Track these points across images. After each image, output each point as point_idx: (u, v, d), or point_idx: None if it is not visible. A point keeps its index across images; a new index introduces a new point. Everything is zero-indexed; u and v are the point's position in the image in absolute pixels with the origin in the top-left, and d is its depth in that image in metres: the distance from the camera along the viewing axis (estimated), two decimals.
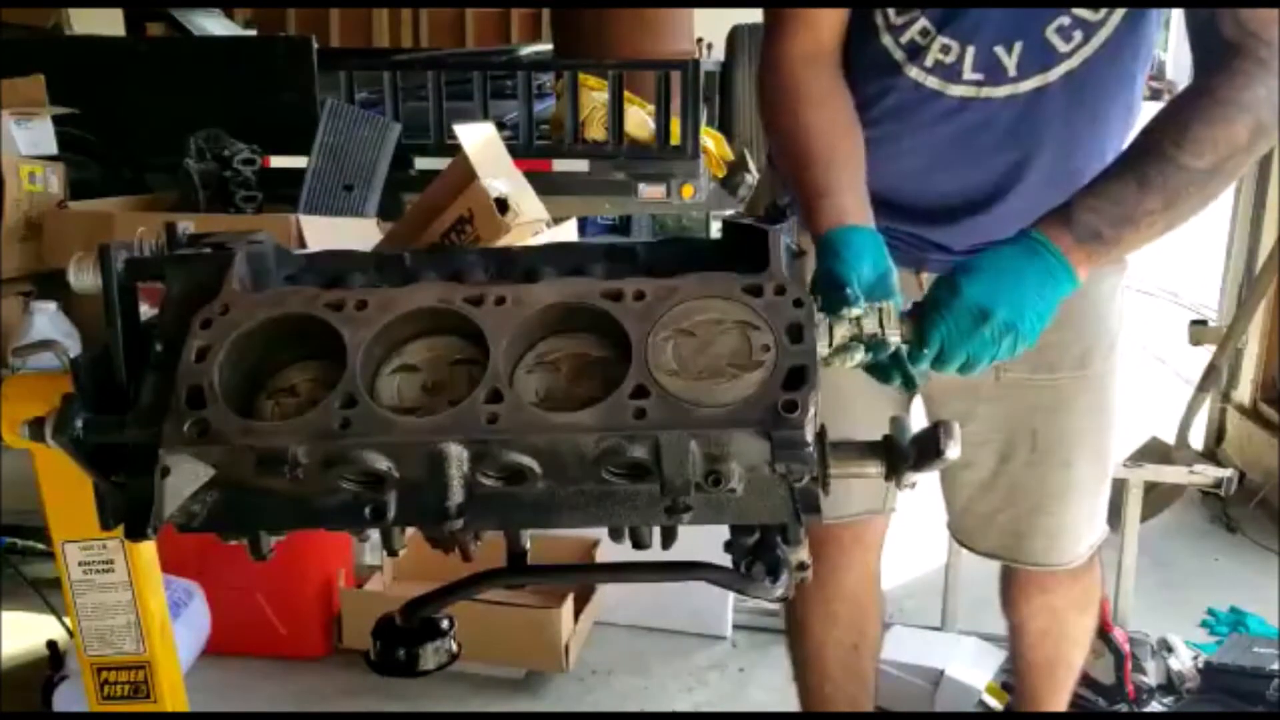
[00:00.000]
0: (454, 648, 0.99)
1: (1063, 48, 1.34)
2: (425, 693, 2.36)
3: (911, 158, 1.43)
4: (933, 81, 1.37)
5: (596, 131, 4.64)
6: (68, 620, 1.50)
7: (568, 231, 2.64)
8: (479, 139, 2.35)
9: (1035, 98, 1.36)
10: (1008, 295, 1.10)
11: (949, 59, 1.36)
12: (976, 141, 1.40)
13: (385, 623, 0.98)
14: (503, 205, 2.16)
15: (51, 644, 2.21)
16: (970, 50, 1.34)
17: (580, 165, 4.55)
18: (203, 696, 1.85)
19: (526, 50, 6.06)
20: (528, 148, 4.37)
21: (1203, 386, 3.33)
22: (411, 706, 2.36)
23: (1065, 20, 1.32)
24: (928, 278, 1.44)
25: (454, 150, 2.34)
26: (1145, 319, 6.03)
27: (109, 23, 5.48)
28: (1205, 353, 3.46)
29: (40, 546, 2.61)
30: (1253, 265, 3.58)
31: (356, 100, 4.32)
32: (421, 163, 4.24)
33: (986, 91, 1.36)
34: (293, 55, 4.16)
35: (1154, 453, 3.12)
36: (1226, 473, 2.48)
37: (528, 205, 2.26)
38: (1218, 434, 3.68)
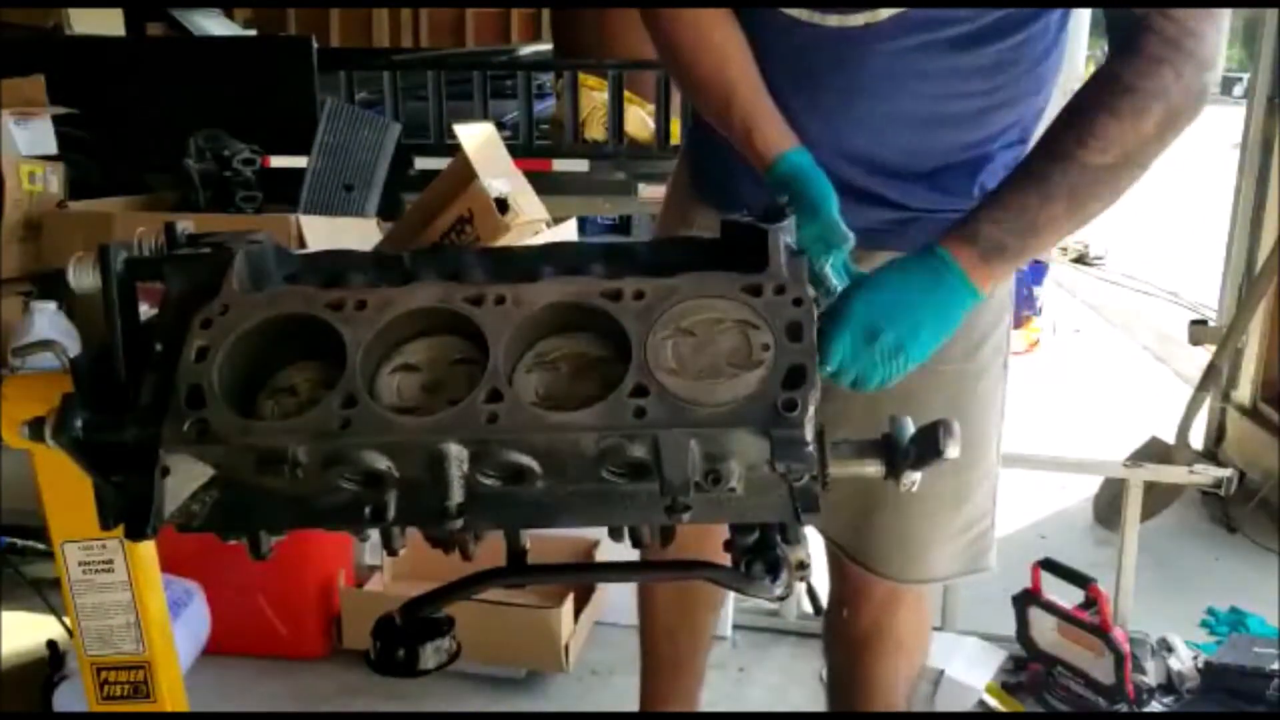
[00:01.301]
0: (454, 647, 0.99)
1: None
2: (425, 692, 2.36)
3: (796, 100, 1.33)
4: (802, 13, 1.30)
5: (596, 131, 4.64)
6: (68, 620, 1.49)
7: (568, 231, 2.64)
8: (479, 139, 2.35)
9: (887, 31, 1.28)
10: (905, 315, 1.08)
11: None
12: (857, 83, 1.32)
13: (385, 622, 0.98)
14: (503, 205, 2.16)
15: (51, 644, 2.21)
16: None
17: (580, 165, 4.55)
18: (203, 696, 1.85)
19: (526, 50, 6.05)
20: (528, 148, 4.36)
21: (1203, 386, 3.33)
22: (411, 706, 2.36)
23: None
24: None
25: (454, 150, 2.34)
26: (1145, 319, 6.04)
27: (109, 23, 5.47)
28: (1205, 353, 3.46)
29: (40, 546, 2.61)
30: (1253, 265, 3.58)
31: (356, 100, 4.31)
32: (421, 163, 4.23)
33: (854, 20, 1.28)
34: (293, 55, 4.15)
35: (1154, 453, 3.12)
36: (1226, 473, 2.48)
37: (528, 205, 2.26)
38: (1218, 434, 3.68)
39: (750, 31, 1.35)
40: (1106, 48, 1.25)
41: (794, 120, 1.31)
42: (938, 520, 1.50)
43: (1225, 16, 1.18)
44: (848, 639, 1.70)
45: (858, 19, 1.28)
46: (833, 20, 1.30)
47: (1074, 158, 1.13)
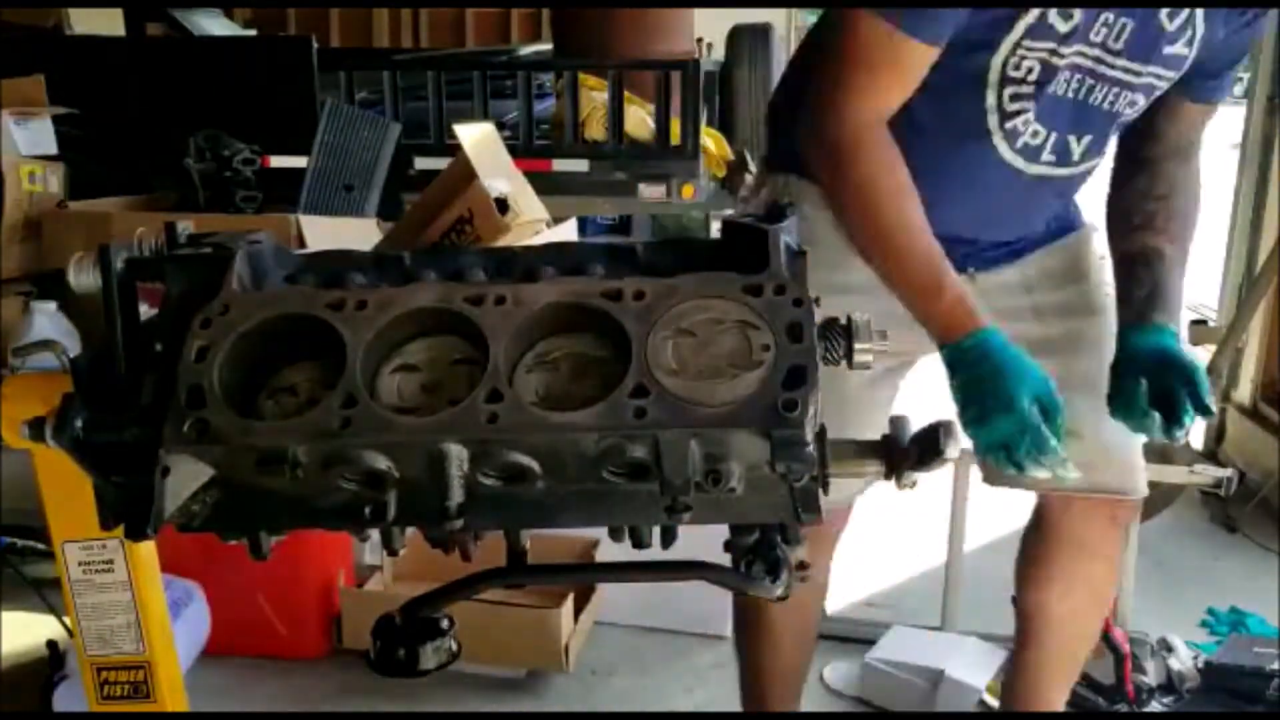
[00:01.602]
0: (454, 647, 0.99)
1: (1112, 139, 1.56)
2: (425, 693, 2.36)
3: (962, 210, 1.55)
4: (1019, 161, 1.51)
5: (596, 131, 4.64)
6: (68, 620, 1.50)
7: (568, 231, 2.64)
8: (479, 139, 2.35)
9: (1078, 175, 1.58)
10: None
11: (1035, 142, 1.50)
12: (1022, 203, 1.60)
13: (385, 622, 0.98)
14: (503, 205, 2.16)
15: (51, 644, 2.21)
16: (1052, 137, 1.50)
17: (580, 165, 4.55)
18: (203, 696, 1.86)
19: (526, 50, 6.06)
20: (528, 148, 4.37)
21: None
22: (411, 706, 2.36)
23: (1126, 117, 1.52)
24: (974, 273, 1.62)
25: (454, 150, 2.34)
26: None
27: (109, 23, 5.47)
28: (1205, 353, 3.46)
29: (40, 546, 2.61)
30: (1253, 265, 3.58)
31: (356, 100, 4.32)
32: (421, 163, 4.23)
33: (1053, 171, 1.54)
34: (293, 55, 4.15)
35: (1154, 452, 3.12)
36: (1226, 473, 2.48)
37: (528, 205, 2.26)
38: (1218, 434, 3.68)
39: (966, 187, 1.54)
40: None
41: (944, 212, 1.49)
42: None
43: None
44: (1074, 602, 1.79)
45: (1061, 171, 1.56)
46: (1064, 172, 1.56)
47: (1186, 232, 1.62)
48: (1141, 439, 1.66)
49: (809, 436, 0.79)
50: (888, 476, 0.89)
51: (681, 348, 0.84)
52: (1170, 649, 2.48)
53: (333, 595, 2.54)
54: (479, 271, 0.95)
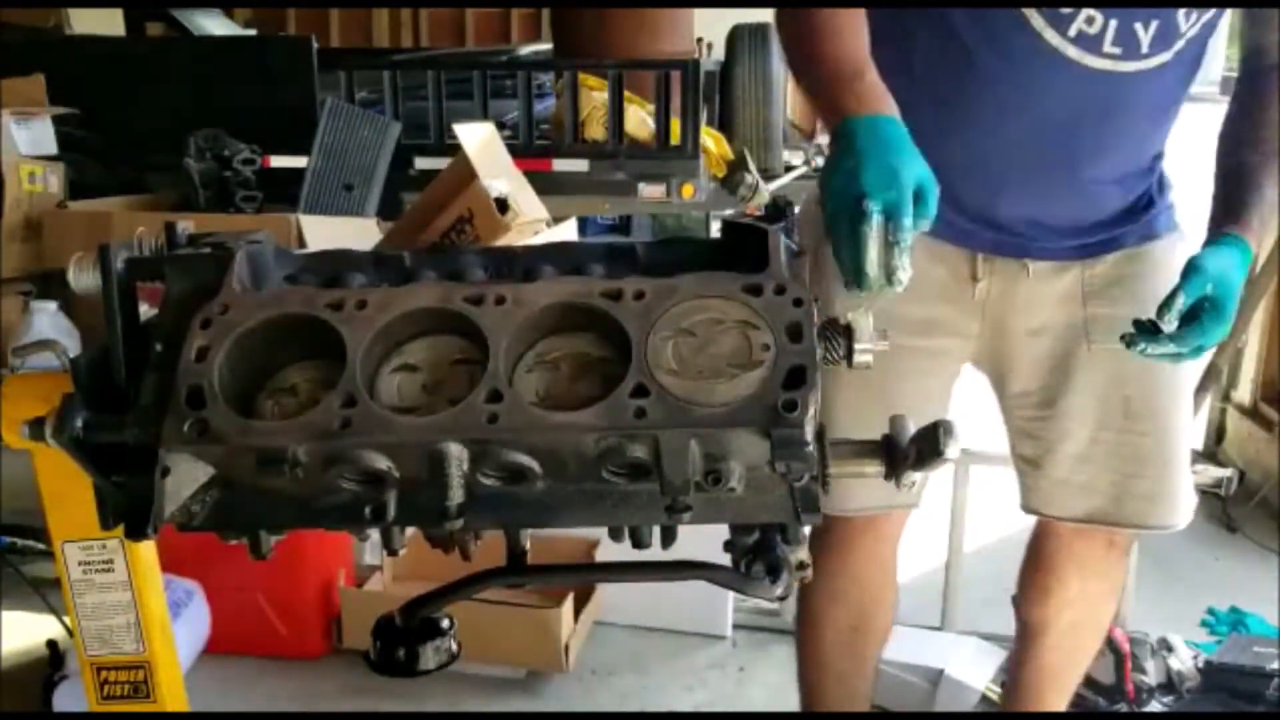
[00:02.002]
0: (454, 647, 0.99)
1: (1183, 26, 1.38)
2: (425, 693, 2.36)
3: (1015, 122, 1.43)
4: (1073, 51, 1.37)
5: (596, 131, 4.63)
6: (68, 620, 1.49)
7: (568, 231, 2.64)
8: (479, 139, 2.35)
9: (1151, 74, 1.41)
10: (1232, 289, 1.38)
11: (1092, 30, 1.36)
12: (1089, 114, 1.43)
13: (385, 622, 0.98)
14: (503, 205, 2.16)
15: (51, 644, 2.21)
16: (1112, 24, 1.35)
17: (580, 165, 4.54)
18: (203, 696, 1.85)
19: (526, 50, 6.05)
20: (528, 148, 4.36)
21: (1203, 386, 3.32)
22: (411, 706, 2.36)
23: None
24: (983, 258, 1.54)
25: (454, 150, 2.34)
26: None
27: (109, 23, 5.47)
28: (1205, 353, 3.46)
29: (40, 546, 2.61)
30: (1253, 265, 3.58)
31: (356, 100, 4.31)
32: (421, 163, 4.23)
33: (1120, 66, 1.38)
34: (293, 55, 4.14)
35: None
36: (1227, 472, 2.48)
37: (528, 205, 2.26)
38: (1218, 434, 3.68)
39: (1016, 88, 1.42)
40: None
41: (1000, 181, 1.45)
42: (1179, 461, 1.65)
43: None
44: (1073, 615, 1.76)
45: (1130, 65, 1.39)
46: (1133, 66, 1.39)
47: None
48: (1164, 471, 1.61)
49: (809, 436, 0.80)
50: (888, 476, 0.89)
51: (681, 348, 0.84)
52: (1170, 649, 2.48)
53: (333, 595, 2.54)
54: (479, 271, 0.96)
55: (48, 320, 2.59)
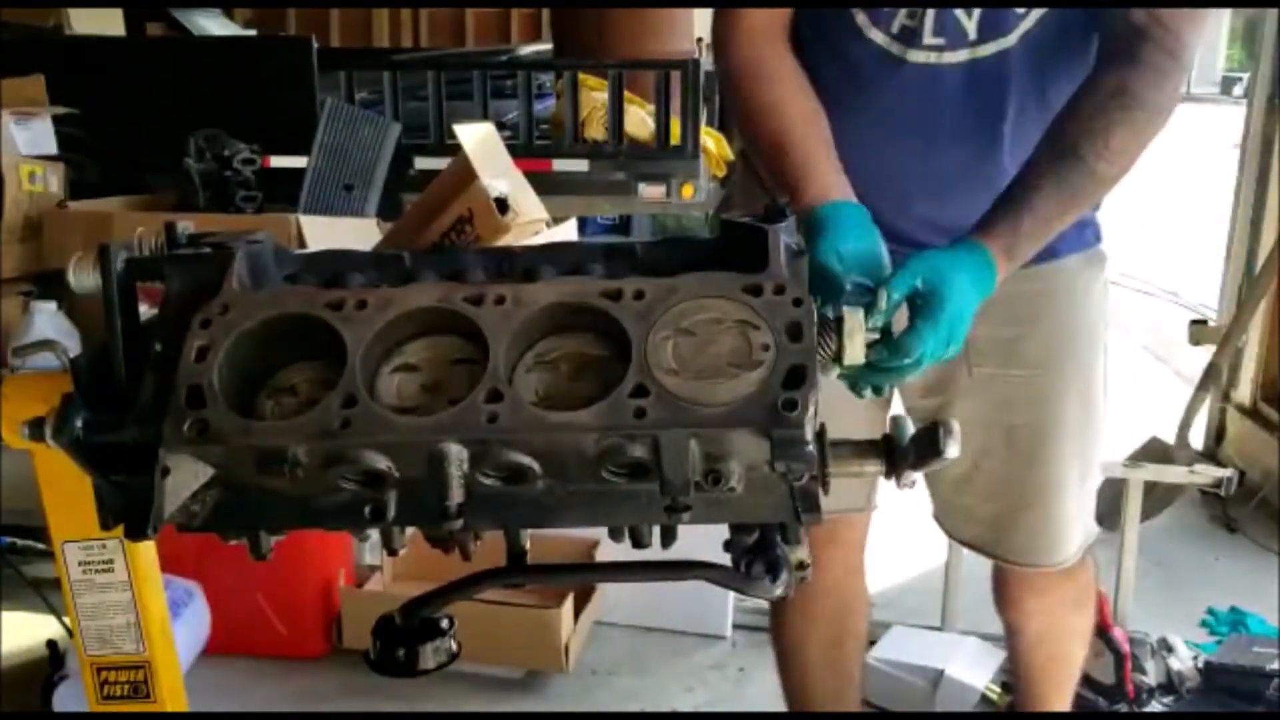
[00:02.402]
0: (454, 647, 0.99)
1: (1019, 10, 1.29)
2: (425, 693, 2.36)
3: (867, 132, 1.36)
4: (896, 48, 1.32)
5: (596, 131, 4.64)
6: (68, 620, 1.49)
7: (568, 231, 2.64)
8: (478, 138, 2.35)
9: (995, 64, 1.31)
10: (963, 304, 1.12)
11: (911, 23, 1.31)
12: (946, 110, 1.35)
13: (385, 622, 0.98)
14: (503, 205, 2.16)
15: (51, 644, 2.21)
16: (930, 13, 1.29)
17: (580, 165, 4.55)
18: (203, 696, 1.85)
19: (526, 50, 6.05)
20: (528, 148, 4.37)
21: (1203, 386, 3.33)
22: (411, 706, 2.36)
23: None
24: None
25: (454, 150, 2.34)
26: (1145, 319, 6.04)
27: (109, 23, 5.47)
28: (1205, 353, 3.46)
29: (40, 546, 2.61)
30: (1253, 265, 3.58)
31: (356, 100, 4.31)
32: (421, 163, 4.23)
33: (946, 58, 1.32)
34: (293, 55, 4.14)
35: (1154, 453, 3.12)
36: (1226, 473, 2.48)
37: (528, 205, 2.26)
38: (1218, 434, 3.69)
39: (856, 93, 1.35)
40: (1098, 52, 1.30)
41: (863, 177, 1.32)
42: (1070, 499, 1.59)
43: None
44: (1049, 611, 1.76)
45: (958, 56, 1.31)
46: (962, 56, 1.31)
47: (1092, 169, 1.19)
48: (1071, 506, 1.58)
49: (809, 436, 0.79)
50: (888, 476, 0.89)
51: (681, 347, 0.84)
52: (1170, 649, 2.48)
53: (333, 595, 2.54)
54: (479, 271, 0.96)
55: (48, 320, 2.58)
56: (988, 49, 1.31)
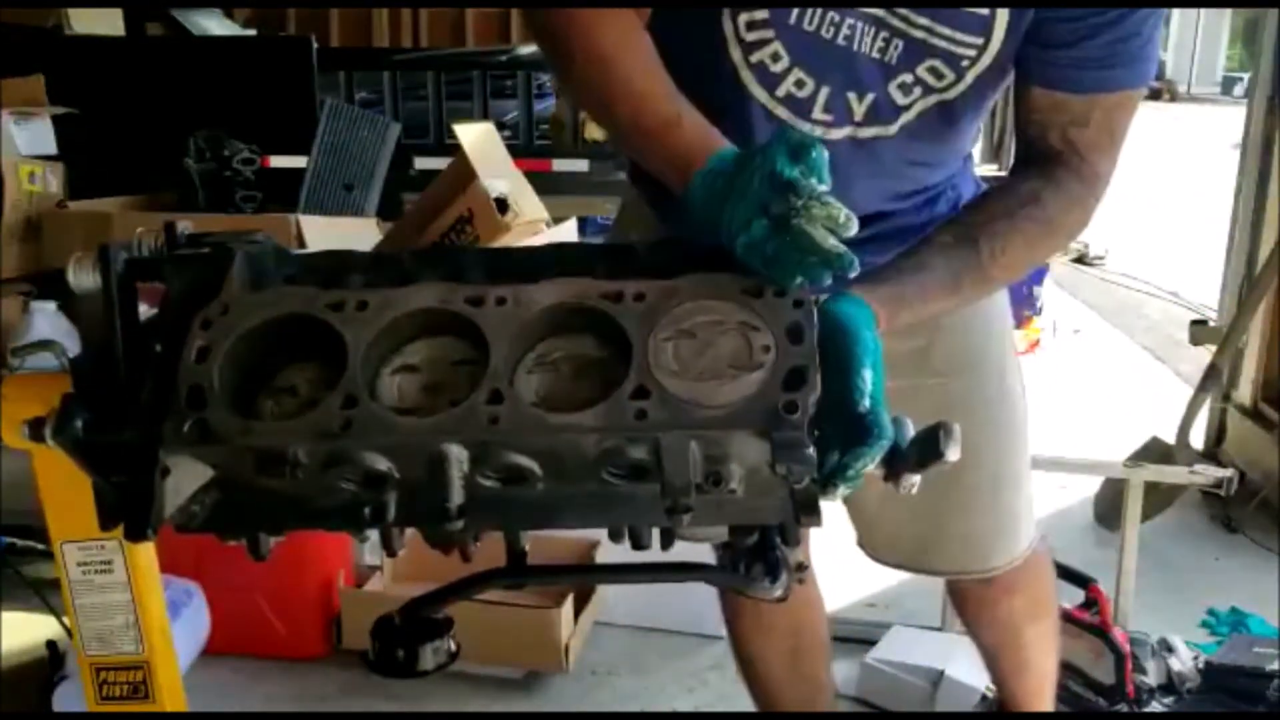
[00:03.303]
0: (453, 648, 0.99)
1: (902, 101, 1.27)
2: (425, 693, 2.36)
3: None
4: (782, 112, 1.28)
5: (596, 131, 4.64)
6: (67, 620, 1.49)
7: (568, 231, 2.64)
8: (478, 138, 2.36)
9: (870, 143, 1.30)
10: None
11: (802, 94, 1.27)
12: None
13: (384, 623, 0.98)
14: (503, 205, 2.16)
15: (51, 644, 2.21)
16: (824, 90, 1.27)
17: (580, 165, 4.55)
18: (202, 696, 1.86)
19: (526, 50, 6.06)
20: (528, 148, 4.37)
21: (1203, 386, 3.33)
22: (411, 706, 2.36)
23: (909, 79, 1.25)
24: None
25: (454, 150, 2.34)
26: (1145, 319, 6.04)
27: (109, 23, 5.47)
28: (1205, 353, 3.46)
29: (40, 546, 2.61)
30: (1253, 265, 3.58)
31: (356, 100, 4.32)
32: (421, 163, 4.24)
33: (833, 133, 1.29)
34: (293, 55, 4.15)
35: (1154, 453, 3.12)
36: (1227, 473, 2.48)
37: (528, 205, 2.27)
38: (1218, 434, 3.68)
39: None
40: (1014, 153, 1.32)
41: None
42: (996, 506, 1.57)
43: (1119, 155, 1.27)
44: (1001, 623, 1.75)
45: (841, 132, 1.28)
46: (844, 133, 1.28)
47: (983, 269, 1.18)
48: (1000, 510, 1.57)
49: (809, 438, 0.79)
50: (887, 478, 0.89)
51: (682, 349, 0.84)
52: (1170, 649, 2.48)
53: (333, 595, 2.54)
54: (479, 272, 0.95)
55: (48, 320, 2.59)
56: (870, 132, 1.30)
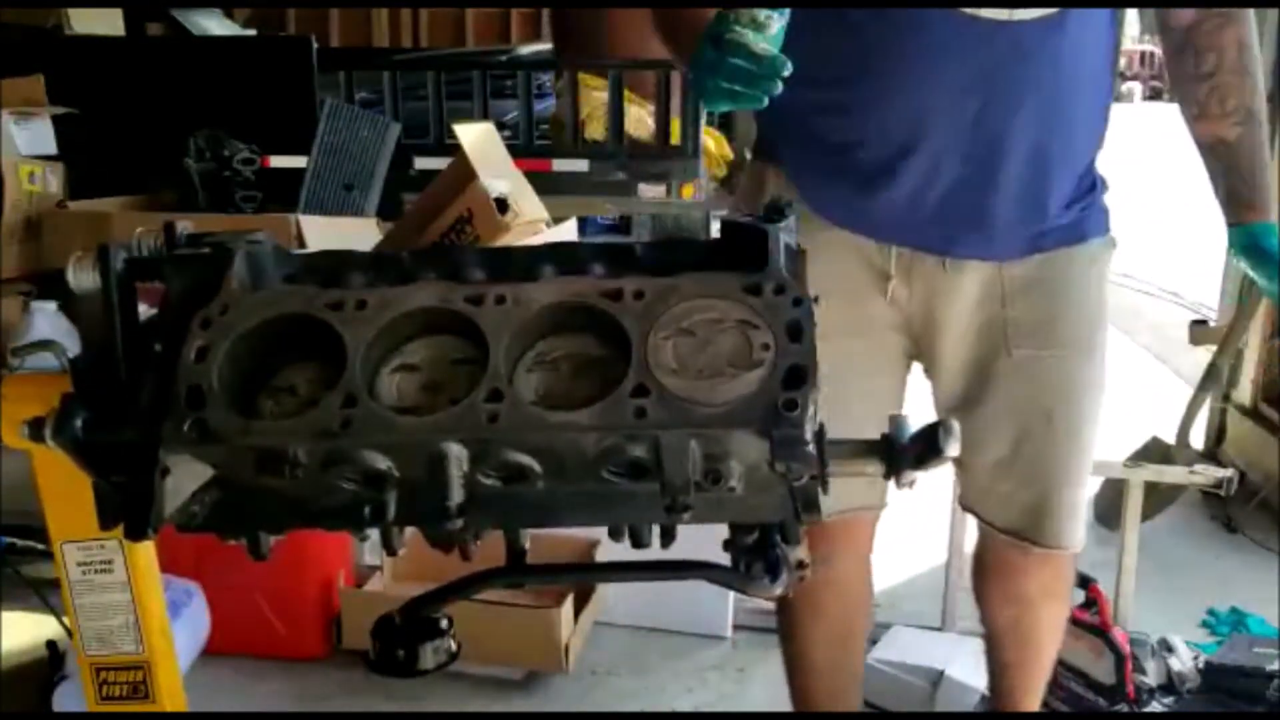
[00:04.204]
0: (453, 647, 0.99)
1: None
2: (425, 693, 2.36)
3: (927, 94, 1.38)
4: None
5: (596, 131, 4.64)
6: (67, 620, 1.49)
7: (568, 231, 2.64)
8: (478, 138, 2.35)
9: (1048, 28, 1.36)
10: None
11: None
12: (997, 75, 1.38)
13: (384, 622, 0.98)
14: (503, 205, 2.16)
15: (51, 644, 2.21)
16: None
17: (580, 165, 4.55)
18: (202, 696, 1.86)
19: (526, 50, 6.06)
20: (528, 148, 4.37)
21: (1203, 387, 3.33)
22: (411, 706, 2.36)
23: None
24: (898, 255, 1.50)
25: (454, 150, 2.34)
26: (1145, 319, 6.04)
27: (109, 23, 5.47)
28: (1205, 353, 3.46)
29: (40, 546, 2.61)
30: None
31: (356, 100, 4.32)
32: (421, 163, 4.23)
33: (1000, 13, 1.33)
34: (293, 55, 4.15)
35: (1154, 453, 3.12)
36: (1227, 473, 2.48)
37: (528, 205, 2.27)
38: (1218, 434, 3.68)
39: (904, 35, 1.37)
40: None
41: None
42: (1087, 481, 1.65)
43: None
44: (1019, 599, 1.76)
45: (1000, 13, 1.33)
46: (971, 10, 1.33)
47: (1227, 116, 1.46)
48: (1076, 491, 1.61)
49: (808, 435, 0.79)
50: (887, 476, 0.89)
51: (681, 347, 0.84)
52: (1170, 649, 2.48)
53: (333, 595, 2.54)
54: (479, 271, 0.95)
55: (48, 320, 2.58)
56: (1039, 11, 1.35)
